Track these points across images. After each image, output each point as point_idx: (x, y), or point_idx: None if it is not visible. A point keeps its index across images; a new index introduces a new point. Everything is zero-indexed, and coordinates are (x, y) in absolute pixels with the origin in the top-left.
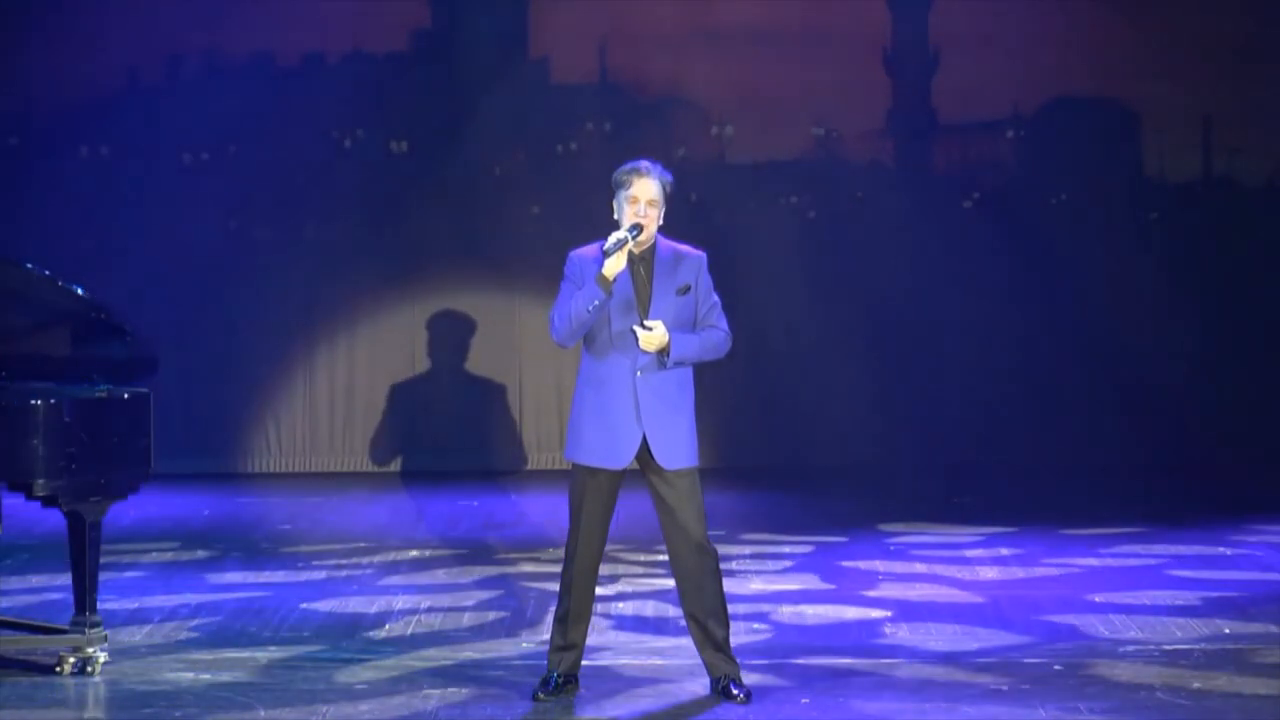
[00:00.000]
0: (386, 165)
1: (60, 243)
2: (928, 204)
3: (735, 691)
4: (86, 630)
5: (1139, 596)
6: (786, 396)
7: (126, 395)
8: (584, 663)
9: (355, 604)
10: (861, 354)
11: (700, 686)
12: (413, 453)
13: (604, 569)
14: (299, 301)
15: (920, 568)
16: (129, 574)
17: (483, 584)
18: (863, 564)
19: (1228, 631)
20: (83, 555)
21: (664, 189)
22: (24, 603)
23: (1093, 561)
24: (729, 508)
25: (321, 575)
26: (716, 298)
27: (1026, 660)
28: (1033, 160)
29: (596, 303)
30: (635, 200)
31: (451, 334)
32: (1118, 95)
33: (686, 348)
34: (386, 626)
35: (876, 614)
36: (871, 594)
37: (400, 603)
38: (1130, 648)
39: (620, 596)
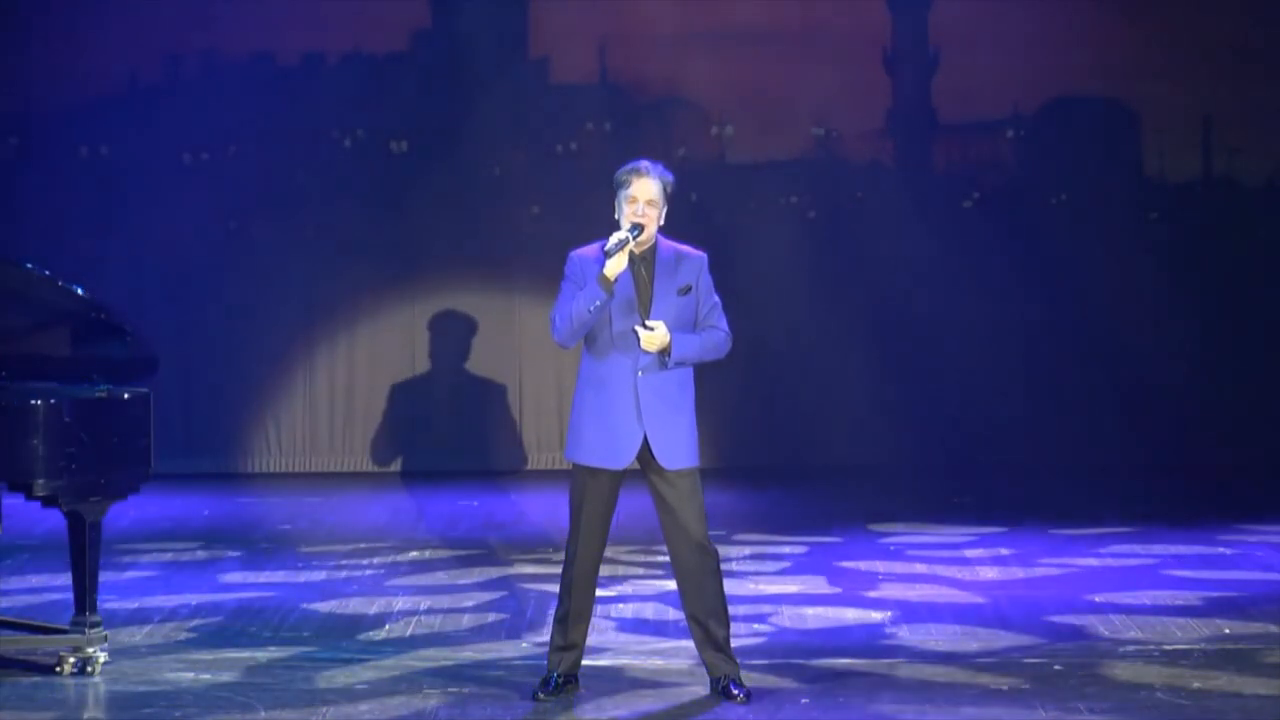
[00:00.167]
0: (386, 165)
1: (60, 243)
2: (928, 204)
3: (735, 691)
4: (86, 630)
5: (1139, 596)
6: (786, 396)
7: (126, 395)
8: (584, 663)
9: (355, 604)
10: (861, 354)
11: (700, 686)
12: (413, 453)
13: (604, 570)
14: (299, 301)
15: (920, 568)
16: (129, 574)
17: (483, 584)
18: (862, 564)
19: (1228, 631)
20: (83, 555)
21: (664, 189)
22: (24, 603)
23: (1093, 561)
24: (729, 508)
25: (321, 575)
26: (717, 298)
27: (1026, 660)
28: (1033, 160)
29: (598, 303)
30: (634, 200)
31: (451, 334)
32: (1118, 95)
33: (687, 348)
34: (386, 626)
35: (876, 614)
36: (871, 594)
37: (400, 603)
38: (1130, 648)
39: (621, 597)
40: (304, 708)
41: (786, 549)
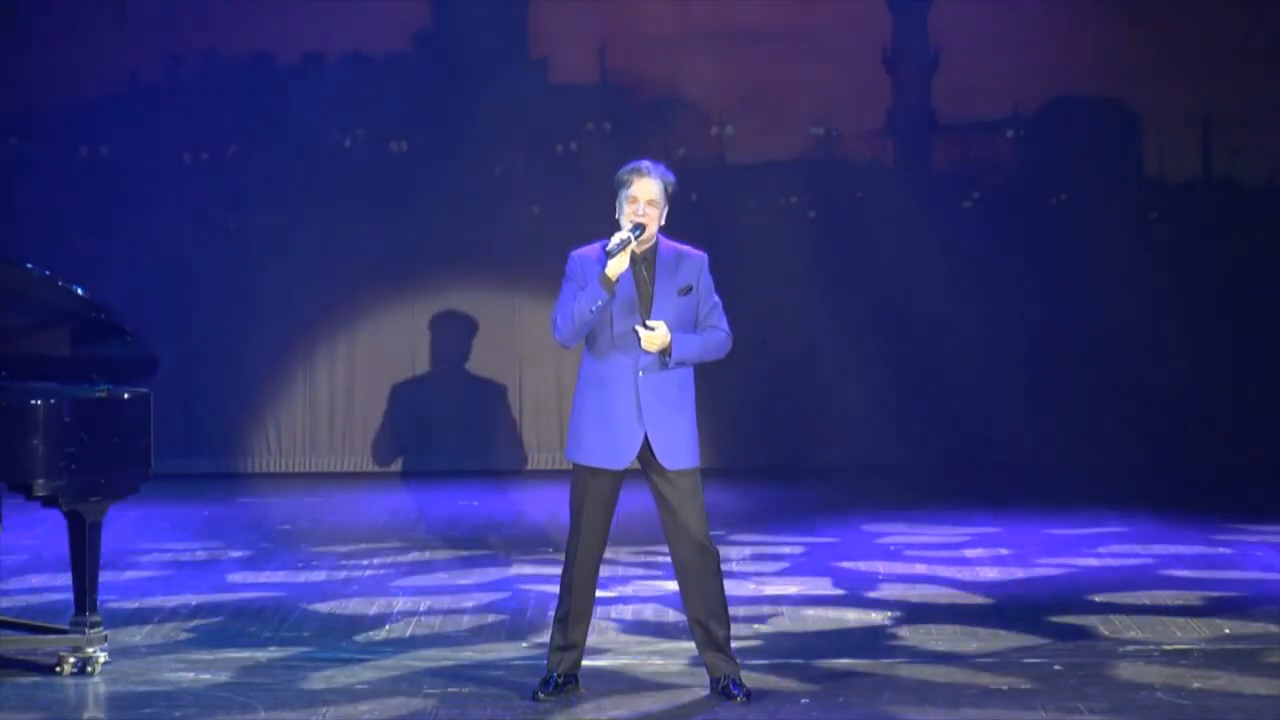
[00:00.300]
0: (386, 165)
1: (60, 243)
2: (928, 204)
3: (735, 692)
4: (86, 630)
5: (1139, 596)
6: (786, 396)
7: (126, 395)
8: (584, 663)
9: (355, 604)
10: (861, 353)
11: (700, 687)
12: (413, 453)
13: (604, 570)
14: (299, 301)
15: (920, 568)
16: (129, 574)
17: (483, 584)
18: (863, 564)
19: (1228, 631)
20: (83, 555)
21: (665, 189)
22: (24, 603)
23: (1093, 561)
24: (729, 508)
25: (321, 575)
26: (717, 298)
27: (1026, 660)
28: (1033, 160)
29: (600, 303)
30: (635, 200)
31: (452, 334)
32: (1118, 95)
33: (688, 348)
34: (386, 627)
35: (876, 614)
36: (872, 594)
37: (400, 603)
38: (1130, 648)
39: (621, 598)
40: (304, 708)
41: (786, 549)
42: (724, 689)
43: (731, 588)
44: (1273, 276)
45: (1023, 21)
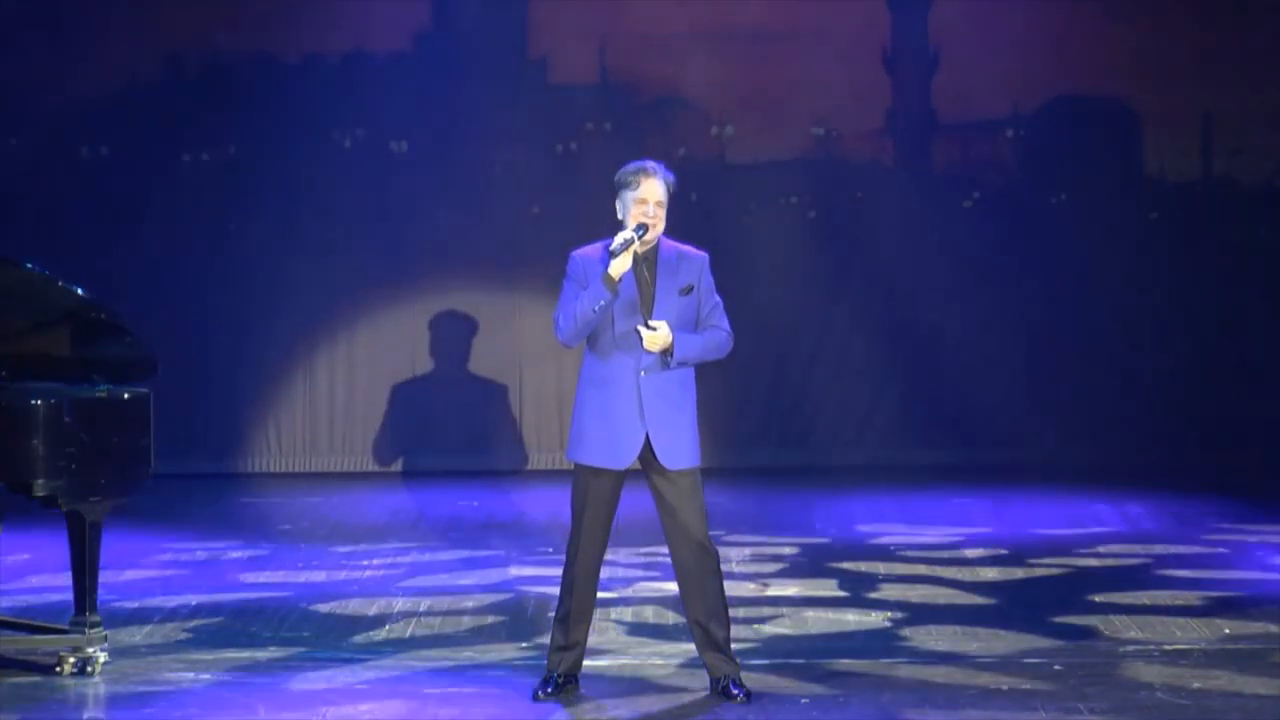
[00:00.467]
0: (386, 165)
1: (60, 243)
2: (928, 204)
3: (735, 692)
4: (86, 630)
5: (1139, 596)
6: (786, 397)
7: (126, 395)
8: (584, 664)
9: (355, 604)
10: (861, 353)
11: (700, 687)
12: (413, 453)
13: (604, 571)
14: (299, 301)
15: (920, 568)
16: (129, 574)
17: (483, 585)
18: (863, 565)
19: (1228, 631)
20: (83, 555)
21: (669, 190)
22: (24, 603)
23: (1092, 562)
24: (729, 508)
25: (321, 575)
26: (718, 298)
27: (1026, 660)
28: (1033, 160)
29: (603, 303)
30: (644, 201)
31: (452, 334)
32: (1118, 95)
33: (690, 348)
34: (386, 626)
35: (877, 615)
36: (872, 595)
37: (400, 603)
38: (1130, 648)
39: (622, 598)
40: (304, 708)
41: (786, 550)
42: (724, 689)
43: (731, 588)
44: (1273, 276)
45: (1023, 21)
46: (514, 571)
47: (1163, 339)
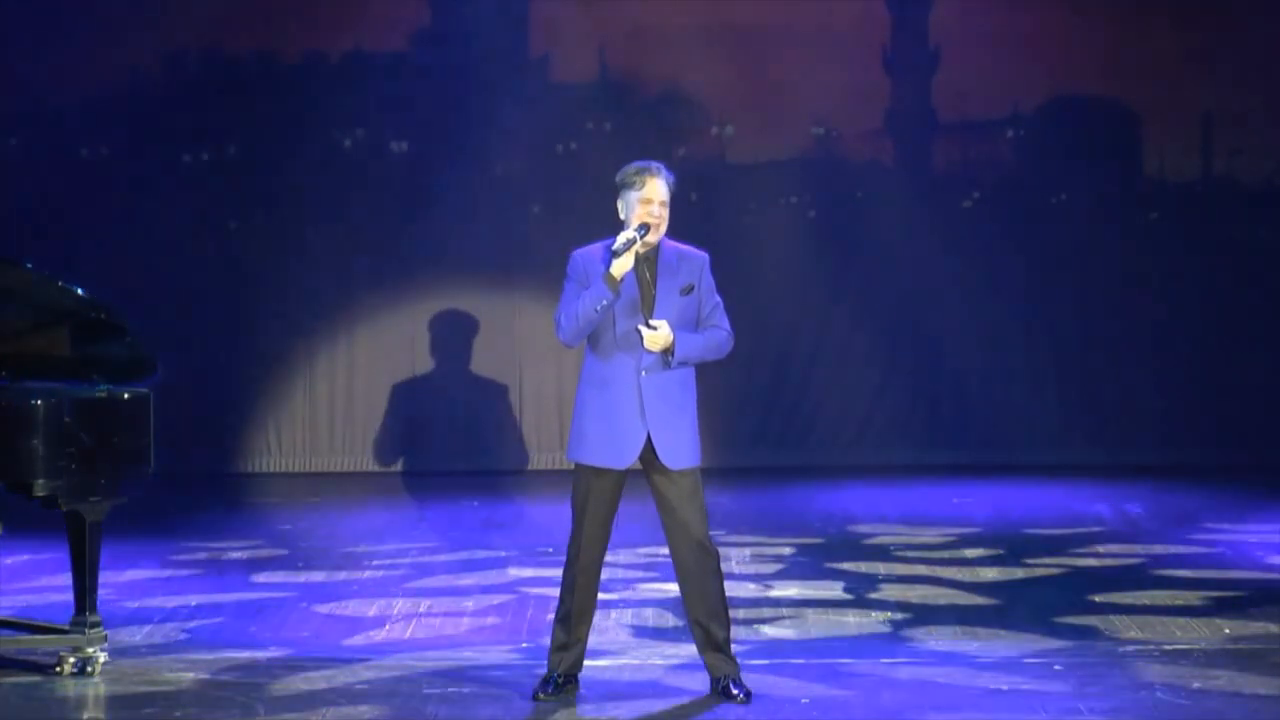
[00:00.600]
0: (386, 165)
1: (61, 243)
2: (928, 204)
3: (735, 691)
4: (86, 630)
5: (1139, 596)
6: (786, 396)
7: (126, 395)
8: (585, 664)
9: (355, 604)
10: (861, 354)
11: (700, 686)
12: (413, 453)
13: (604, 571)
14: (299, 302)
15: (920, 568)
16: (129, 574)
17: (483, 585)
18: (862, 565)
19: (1228, 631)
20: (83, 555)
21: (670, 189)
22: (24, 603)
23: (1092, 562)
24: (729, 508)
25: (321, 575)
26: (719, 298)
27: (1026, 660)
28: (1033, 160)
29: (605, 302)
30: (649, 201)
31: (452, 334)
32: (1118, 95)
33: (691, 347)
34: (386, 627)
35: (877, 615)
36: (872, 595)
37: (400, 603)
38: (1130, 648)
39: (622, 599)
40: (304, 708)
41: (786, 550)
42: (724, 689)
43: (732, 588)
44: (1273, 276)
45: (1023, 21)
46: (514, 572)
47: (1163, 339)
